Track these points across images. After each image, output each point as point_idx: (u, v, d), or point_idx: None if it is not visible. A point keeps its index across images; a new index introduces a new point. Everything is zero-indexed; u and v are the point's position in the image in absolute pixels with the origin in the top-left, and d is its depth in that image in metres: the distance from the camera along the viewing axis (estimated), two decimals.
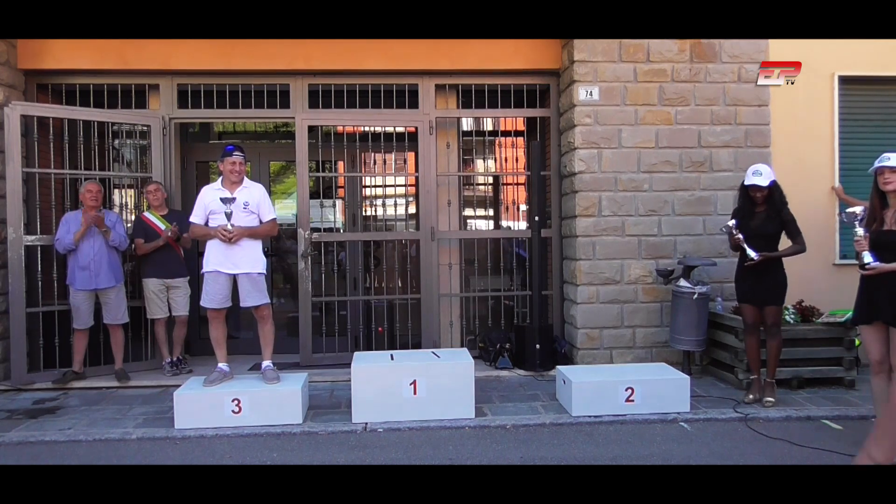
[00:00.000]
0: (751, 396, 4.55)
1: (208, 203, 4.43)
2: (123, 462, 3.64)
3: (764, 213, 4.45)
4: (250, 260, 4.43)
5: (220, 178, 4.53)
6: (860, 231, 3.47)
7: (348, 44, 5.61)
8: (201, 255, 6.40)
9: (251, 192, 4.49)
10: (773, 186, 4.39)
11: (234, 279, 4.43)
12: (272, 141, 7.26)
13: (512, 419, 4.26)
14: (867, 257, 3.44)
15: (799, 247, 4.43)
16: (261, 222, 4.53)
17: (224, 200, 4.29)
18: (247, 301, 4.44)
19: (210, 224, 4.44)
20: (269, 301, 4.57)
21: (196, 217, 4.49)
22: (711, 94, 5.50)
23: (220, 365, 4.41)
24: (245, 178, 4.53)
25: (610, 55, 5.44)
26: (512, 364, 5.56)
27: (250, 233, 4.43)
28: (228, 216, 4.31)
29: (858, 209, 3.52)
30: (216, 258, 4.40)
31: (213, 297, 4.39)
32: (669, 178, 5.47)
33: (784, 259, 4.46)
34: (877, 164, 3.50)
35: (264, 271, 4.53)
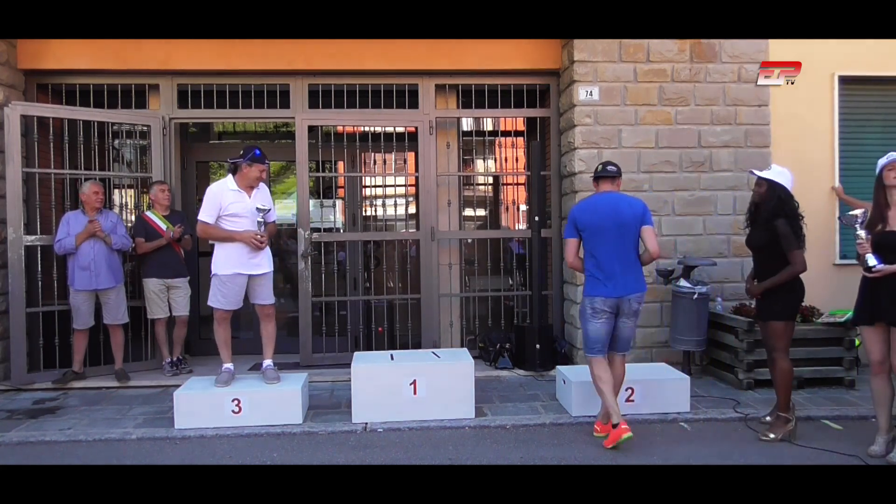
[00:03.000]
0: (771, 436, 3.87)
1: (226, 205, 4.27)
2: (123, 462, 3.64)
3: (759, 223, 3.87)
4: (268, 260, 4.45)
5: (233, 177, 4.34)
6: (862, 233, 3.43)
7: (348, 44, 5.61)
8: (202, 255, 6.44)
9: (264, 196, 4.45)
10: (773, 186, 3.76)
11: (247, 279, 4.39)
12: (272, 141, 7.25)
13: (512, 419, 4.26)
14: (871, 260, 3.40)
15: (791, 268, 3.70)
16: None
17: (260, 210, 4.26)
18: (265, 299, 4.44)
19: (224, 226, 4.29)
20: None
21: (208, 216, 4.28)
22: (711, 94, 5.50)
23: (226, 365, 4.39)
24: None
25: (610, 55, 5.44)
26: (512, 364, 5.55)
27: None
28: (261, 225, 4.31)
29: (858, 212, 3.49)
30: (237, 260, 4.29)
31: (231, 298, 4.33)
32: (669, 178, 5.47)
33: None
34: (884, 160, 3.47)
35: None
